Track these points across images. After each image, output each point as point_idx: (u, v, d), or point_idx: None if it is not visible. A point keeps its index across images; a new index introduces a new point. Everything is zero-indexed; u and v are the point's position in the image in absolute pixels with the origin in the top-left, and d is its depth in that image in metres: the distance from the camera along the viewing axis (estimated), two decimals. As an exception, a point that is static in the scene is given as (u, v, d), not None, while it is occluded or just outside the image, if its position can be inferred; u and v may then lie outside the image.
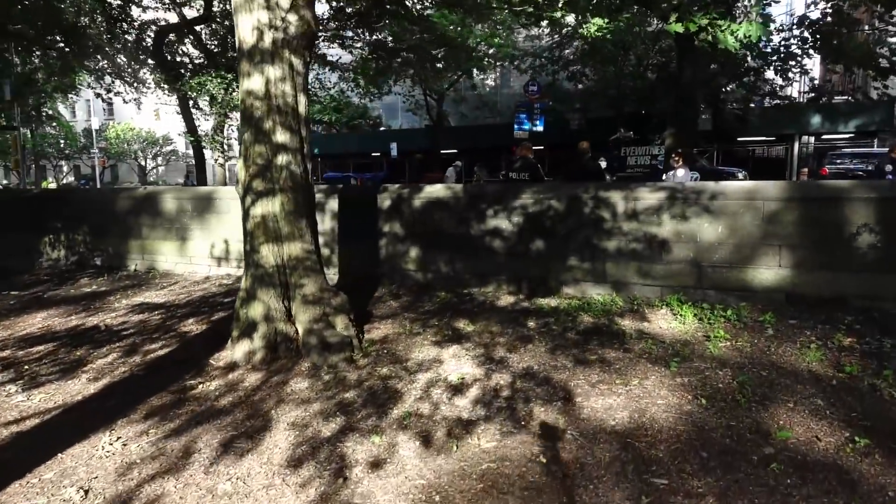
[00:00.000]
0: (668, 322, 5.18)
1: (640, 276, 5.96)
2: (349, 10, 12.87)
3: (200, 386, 4.34)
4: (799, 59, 16.53)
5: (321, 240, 7.54)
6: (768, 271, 5.45)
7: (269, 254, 4.92)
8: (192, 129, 17.43)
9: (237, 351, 4.82)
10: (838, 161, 20.77)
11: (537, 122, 13.69)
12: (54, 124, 42.80)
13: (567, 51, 23.94)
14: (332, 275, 7.53)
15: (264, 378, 4.42)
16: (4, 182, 51.72)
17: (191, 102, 17.27)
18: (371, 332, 5.34)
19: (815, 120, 23.41)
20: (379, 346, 4.98)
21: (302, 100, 5.01)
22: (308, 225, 5.02)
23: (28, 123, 34.87)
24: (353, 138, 33.97)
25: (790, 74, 17.64)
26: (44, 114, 30.90)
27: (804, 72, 19.13)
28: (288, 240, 4.94)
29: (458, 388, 4.01)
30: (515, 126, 13.84)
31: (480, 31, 26.22)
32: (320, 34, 14.61)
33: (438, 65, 17.79)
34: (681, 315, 5.26)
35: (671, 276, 5.83)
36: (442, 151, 30.78)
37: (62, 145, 46.32)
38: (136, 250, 9.22)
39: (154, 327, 5.93)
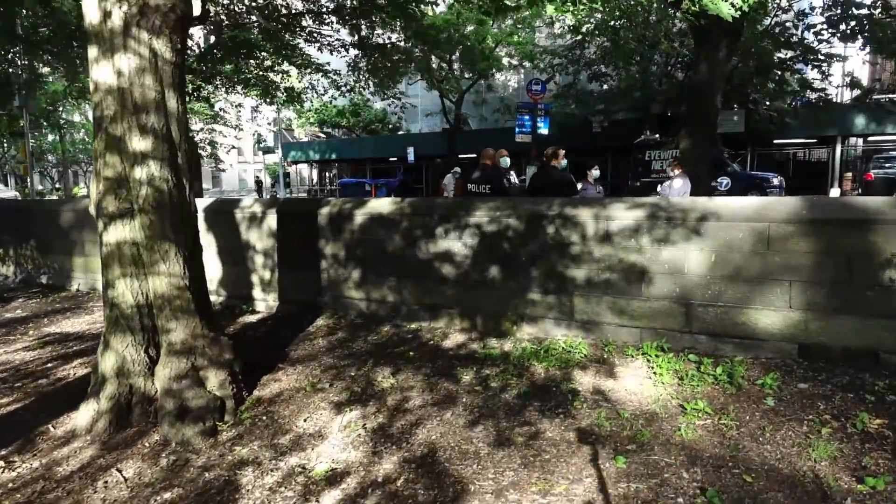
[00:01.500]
0: (638, 381, 4.00)
1: (615, 314, 4.78)
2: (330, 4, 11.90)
3: (14, 466, 3.36)
4: (829, 49, 14.95)
5: (259, 260, 6.58)
6: (775, 314, 4.21)
7: (126, 290, 3.94)
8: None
9: (81, 414, 3.83)
10: (886, 165, 18.94)
11: (542, 125, 12.47)
12: (83, 130, 43.24)
13: (588, 49, 22.56)
14: (272, 301, 6.55)
15: (94, 456, 3.41)
16: (40, 188, 52.56)
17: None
18: (266, 386, 4.29)
19: (860, 120, 21.49)
20: (262, 410, 3.93)
21: (172, 96, 3.99)
22: (180, 254, 3.99)
23: (56, 130, 35.18)
24: (369, 142, 33.14)
25: (823, 68, 16.02)
26: (61, 119, 30.77)
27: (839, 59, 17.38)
28: (153, 273, 3.93)
29: (317, 488, 2.93)
30: (517, 129, 12.69)
31: (497, 31, 25.12)
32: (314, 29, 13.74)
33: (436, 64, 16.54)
34: (657, 370, 4.06)
35: (653, 316, 4.63)
36: (460, 156, 29.70)
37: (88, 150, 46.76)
38: (80, 268, 8.40)
39: (34, 369, 5.01)
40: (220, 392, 3.88)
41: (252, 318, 6.25)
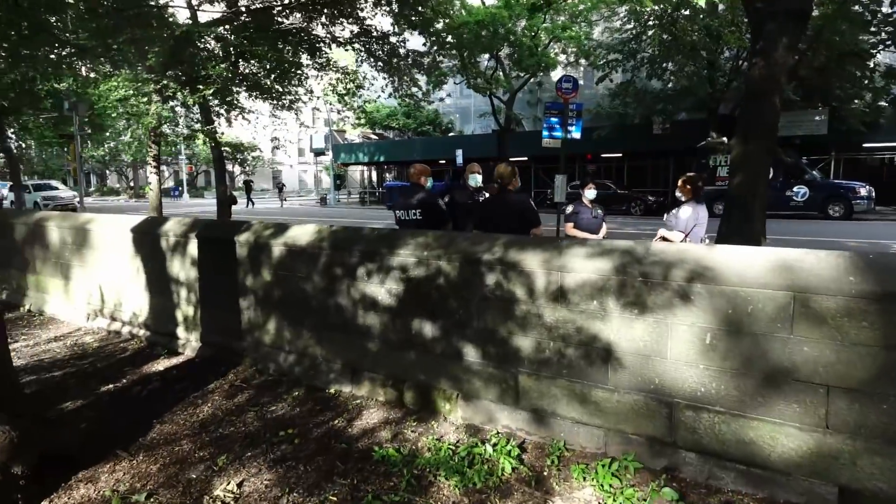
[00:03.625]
0: (575, 531, 2.59)
1: (572, 403, 3.36)
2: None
3: None
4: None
5: (183, 294, 5.52)
6: (802, 435, 2.69)
7: None
8: (213, 137, 16.13)
9: None
10: None
11: (573, 128, 10.93)
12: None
13: (646, 42, 20.58)
14: (195, 342, 5.49)
15: None
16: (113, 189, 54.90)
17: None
18: (63, 495, 3.13)
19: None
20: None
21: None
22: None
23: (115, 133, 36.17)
24: (418, 144, 32.16)
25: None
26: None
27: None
28: None
29: None
30: (544, 133, 11.17)
31: (550, 25, 23.48)
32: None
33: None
34: (608, 514, 2.64)
35: (622, 415, 3.19)
36: (511, 159, 28.20)
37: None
38: (33, 287, 7.66)
39: None
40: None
41: (160, 366, 5.18)
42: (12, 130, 25.22)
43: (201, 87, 10.80)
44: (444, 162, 30.61)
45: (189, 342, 5.56)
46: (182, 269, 5.52)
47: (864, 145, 21.10)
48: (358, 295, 4.24)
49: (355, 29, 12.20)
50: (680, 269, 2.93)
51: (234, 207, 21.33)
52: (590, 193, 6.26)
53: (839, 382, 2.59)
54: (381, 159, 33.96)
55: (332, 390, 4.41)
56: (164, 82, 10.78)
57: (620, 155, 27.32)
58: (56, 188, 30.53)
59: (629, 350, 3.12)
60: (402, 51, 13.02)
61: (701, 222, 5.34)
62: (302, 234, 4.61)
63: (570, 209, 6.33)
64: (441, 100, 24.22)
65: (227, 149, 16.21)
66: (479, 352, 3.69)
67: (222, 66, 10.38)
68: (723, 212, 9.33)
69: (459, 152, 28.18)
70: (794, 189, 19.12)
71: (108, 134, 32.53)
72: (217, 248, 5.21)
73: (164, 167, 55.21)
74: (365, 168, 39.03)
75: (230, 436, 3.74)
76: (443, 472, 3.11)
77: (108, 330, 6.37)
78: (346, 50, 13.00)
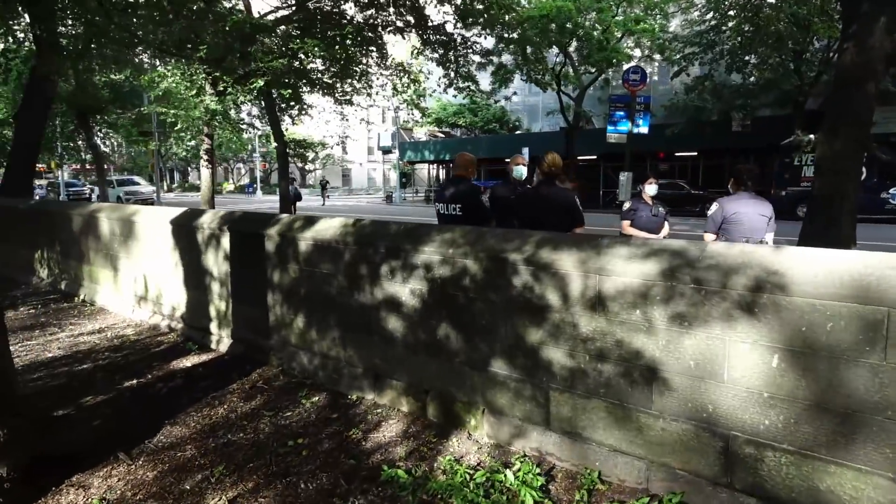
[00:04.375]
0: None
1: (609, 428, 2.89)
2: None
3: None
4: None
5: (216, 289, 5.40)
6: (894, 487, 2.14)
7: None
8: (278, 134, 16.31)
9: None
10: None
11: (640, 122, 10.24)
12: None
13: (726, 34, 19.32)
14: (226, 338, 5.33)
15: None
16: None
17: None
18: (52, 500, 2.95)
19: None
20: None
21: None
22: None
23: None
24: (483, 142, 31.70)
25: None
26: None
27: None
28: None
29: None
30: (609, 127, 10.55)
31: (623, 18, 22.51)
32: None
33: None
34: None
35: (667, 445, 2.70)
36: (579, 158, 27.34)
37: (234, 148, 49.85)
38: (87, 277, 7.79)
39: None
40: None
41: (187, 363, 5.03)
42: (98, 129, 26.58)
43: (253, 80, 10.80)
44: (509, 160, 30.02)
45: (221, 338, 5.41)
46: (215, 262, 5.38)
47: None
48: (381, 294, 3.90)
49: (411, 20, 11.93)
50: (741, 275, 2.41)
51: (298, 204, 21.59)
52: (650, 189, 5.67)
53: (948, 425, 2.02)
54: (447, 157, 33.72)
55: (353, 397, 4.11)
56: (217, 74, 10.88)
57: (696, 153, 25.93)
58: (138, 184, 32.10)
59: (677, 370, 2.62)
60: (458, 39, 12.62)
61: (738, 220, 4.56)
62: (328, 228, 4.32)
63: (627, 205, 5.77)
64: (507, 98, 23.65)
65: (290, 145, 16.28)
66: (507, 362, 3.27)
67: (279, 61, 10.34)
68: (805, 214, 8.46)
69: (525, 150, 27.46)
70: (891, 191, 17.47)
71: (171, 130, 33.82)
72: (248, 241, 5.01)
73: (239, 165, 57.33)
74: (431, 166, 38.92)
75: (237, 443, 3.48)
76: (455, 502, 2.72)
77: (149, 322, 6.34)
78: (406, 38, 12.75)
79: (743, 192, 4.75)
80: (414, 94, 16.51)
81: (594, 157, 26.65)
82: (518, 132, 33.67)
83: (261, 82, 10.54)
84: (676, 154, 26.78)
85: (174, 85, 11.70)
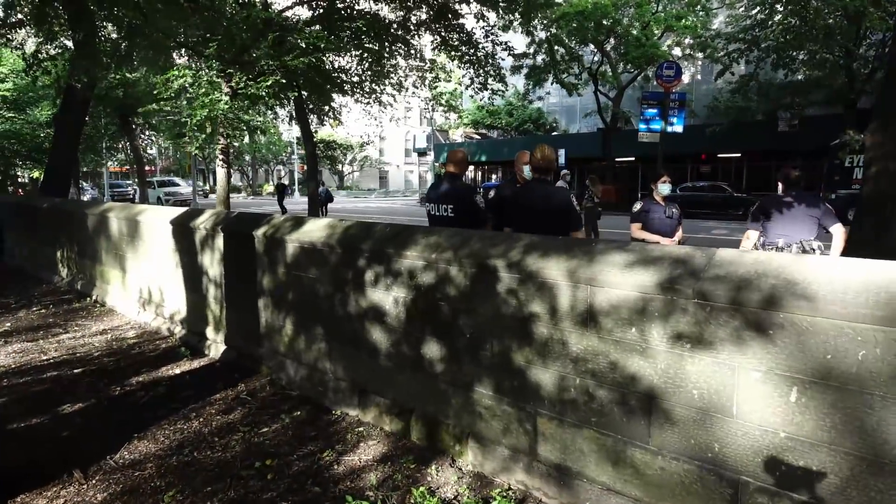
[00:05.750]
0: None
1: (602, 462, 2.50)
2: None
3: None
4: None
5: (212, 292, 5.22)
6: (944, 562, 1.70)
7: None
8: (307, 134, 16.24)
9: None
10: None
11: (674, 120, 9.69)
12: (271, 130, 46.70)
13: (772, 28, 18.39)
14: (221, 344, 5.11)
15: None
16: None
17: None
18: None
19: None
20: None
21: None
22: None
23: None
24: (519, 144, 31.14)
25: None
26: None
27: None
28: None
29: None
30: (641, 125, 10.04)
31: (663, 14, 21.75)
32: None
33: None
34: None
35: (666, 487, 2.29)
36: (617, 159, 26.59)
37: (274, 150, 50.44)
38: (99, 277, 7.73)
39: None
40: None
41: (177, 370, 4.82)
42: (140, 129, 27.12)
43: (263, 78, 10.61)
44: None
45: (215, 344, 5.18)
46: (210, 264, 5.17)
47: None
48: (366, 303, 3.59)
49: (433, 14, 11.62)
50: (754, 288, 2.00)
51: (329, 206, 21.55)
52: (663, 188, 5.20)
53: None
54: (483, 159, 33.36)
55: (338, 412, 3.80)
56: (229, 70, 10.77)
57: (739, 155, 24.88)
58: (178, 185, 32.68)
59: (679, 400, 2.22)
60: (479, 37, 12.25)
61: (778, 220, 4.19)
62: (313, 230, 4.03)
63: (638, 206, 5.30)
64: (540, 98, 23.12)
65: (319, 146, 16.19)
66: (493, 383, 2.91)
67: (301, 59, 10.16)
68: (853, 218, 7.80)
69: (562, 152, 26.93)
70: (952, 194, 16.31)
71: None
72: (239, 243, 4.77)
73: (279, 166, 58.04)
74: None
75: (201, 462, 3.21)
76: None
77: (152, 325, 6.19)
78: (430, 36, 12.44)
79: (791, 192, 4.47)
80: (447, 95, 16.25)
81: (632, 158, 25.86)
82: (554, 133, 33.02)
83: (270, 80, 10.37)
84: (719, 156, 25.77)
85: (187, 84, 11.64)
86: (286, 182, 32.07)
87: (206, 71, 11.78)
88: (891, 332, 1.74)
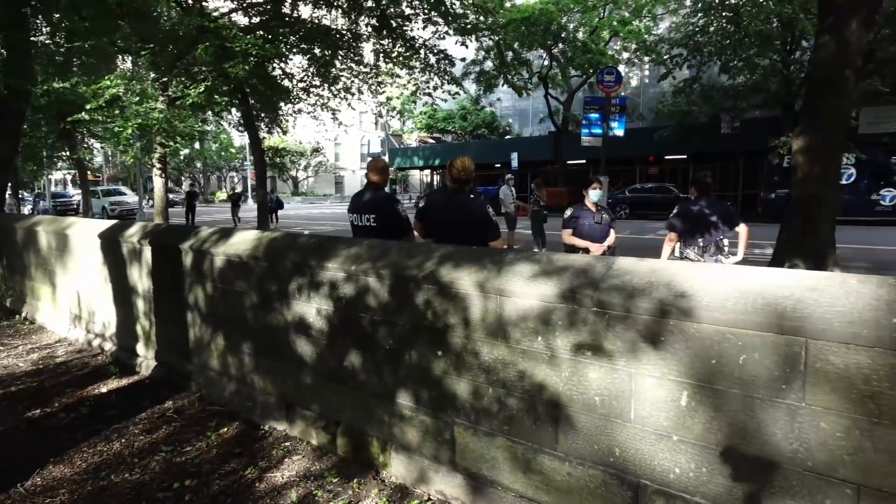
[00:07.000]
0: None
1: (515, 470, 2.53)
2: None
3: None
4: None
5: (141, 306, 5.05)
6: (818, 556, 1.77)
7: None
8: (255, 142, 15.99)
9: None
10: None
11: (615, 124, 9.91)
12: (222, 137, 45.70)
13: (712, 34, 18.97)
14: (151, 360, 4.96)
15: None
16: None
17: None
18: None
19: None
20: None
21: None
22: None
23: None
24: (473, 148, 31.36)
25: None
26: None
27: None
28: None
29: None
30: (583, 130, 10.21)
31: (608, 17, 22.22)
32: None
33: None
34: None
35: (574, 492, 2.34)
36: (568, 162, 27.02)
37: (225, 157, 49.42)
38: (30, 293, 7.44)
39: None
40: None
41: (103, 389, 4.66)
42: (82, 137, 26.19)
43: (194, 85, 10.41)
44: (499, 165, 29.75)
45: (146, 360, 5.04)
46: (140, 279, 5.03)
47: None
48: (291, 316, 3.55)
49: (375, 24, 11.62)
50: (646, 297, 2.06)
51: (279, 212, 21.24)
52: (593, 194, 5.30)
53: (876, 483, 1.66)
54: (437, 163, 33.42)
55: (266, 427, 3.74)
56: (164, 80, 10.54)
57: (685, 157, 25.61)
58: (124, 194, 31.66)
59: (582, 407, 2.26)
60: (420, 46, 12.30)
61: (696, 224, 4.65)
62: (240, 242, 3.97)
63: (568, 212, 5.39)
64: (491, 104, 23.33)
65: (267, 153, 15.96)
66: (413, 394, 2.91)
67: (242, 66, 9.98)
68: (781, 220, 8.11)
69: (515, 155, 27.24)
70: (882, 192, 17.14)
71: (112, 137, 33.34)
72: (167, 256, 4.65)
73: (232, 173, 56.95)
74: (422, 172, 38.60)
75: (117, 485, 3.11)
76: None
77: (82, 342, 5.98)
78: (371, 45, 12.44)
79: (702, 197, 4.91)
80: (399, 99, 16.23)
81: (583, 161, 26.28)
82: (508, 137, 33.33)
83: (202, 87, 10.16)
84: (666, 157, 26.45)
85: (120, 93, 11.32)
86: (240, 190, 31.34)
87: (140, 81, 11.49)
88: (767, 336, 1.82)
